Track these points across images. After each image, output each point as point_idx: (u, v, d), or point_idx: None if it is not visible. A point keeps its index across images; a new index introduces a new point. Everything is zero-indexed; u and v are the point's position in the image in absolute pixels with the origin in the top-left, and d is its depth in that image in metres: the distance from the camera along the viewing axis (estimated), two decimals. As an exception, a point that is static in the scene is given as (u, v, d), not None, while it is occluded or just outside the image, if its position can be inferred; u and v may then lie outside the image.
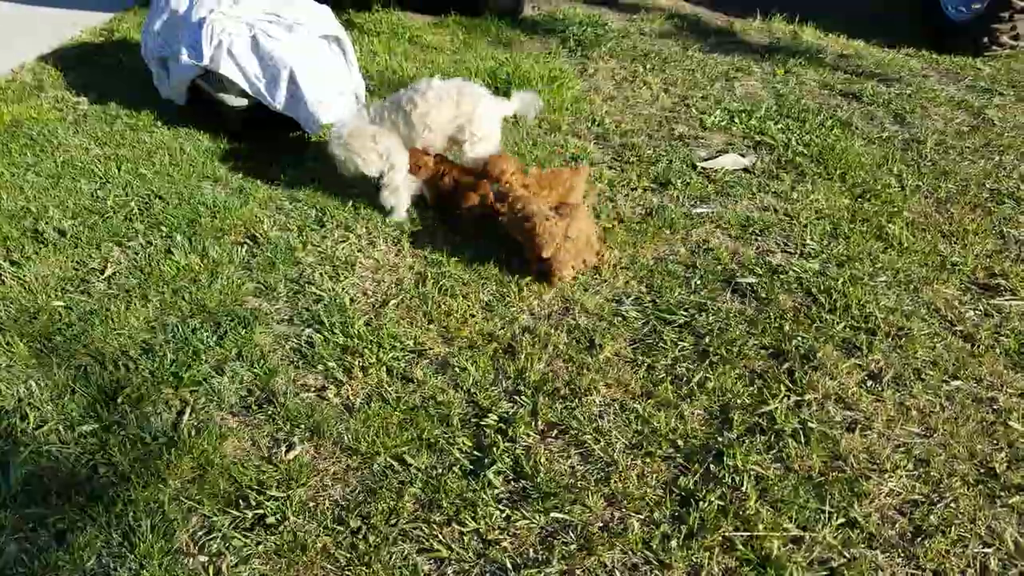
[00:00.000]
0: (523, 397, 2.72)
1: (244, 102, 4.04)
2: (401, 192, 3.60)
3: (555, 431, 2.61)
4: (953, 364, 2.92)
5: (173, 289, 3.15)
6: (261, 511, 2.29)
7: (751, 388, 2.77)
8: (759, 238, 3.63)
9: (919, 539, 2.29)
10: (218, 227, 3.54)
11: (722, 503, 2.35)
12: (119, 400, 2.63)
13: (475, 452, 2.52)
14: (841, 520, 2.32)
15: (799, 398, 2.74)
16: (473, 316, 3.10)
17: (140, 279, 3.20)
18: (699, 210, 3.81)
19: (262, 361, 2.82)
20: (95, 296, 3.11)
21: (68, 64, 5.26)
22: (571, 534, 2.26)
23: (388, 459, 2.48)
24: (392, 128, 3.61)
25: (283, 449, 2.51)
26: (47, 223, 3.53)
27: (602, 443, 2.55)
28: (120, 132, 4.33)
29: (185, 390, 2.70)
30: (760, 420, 2.65)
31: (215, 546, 2.20)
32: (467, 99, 3.57)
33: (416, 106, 3.55)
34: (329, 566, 2.16)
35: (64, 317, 2.99)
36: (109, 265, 3.28)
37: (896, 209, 3.87)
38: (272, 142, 4.23)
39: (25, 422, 2.55)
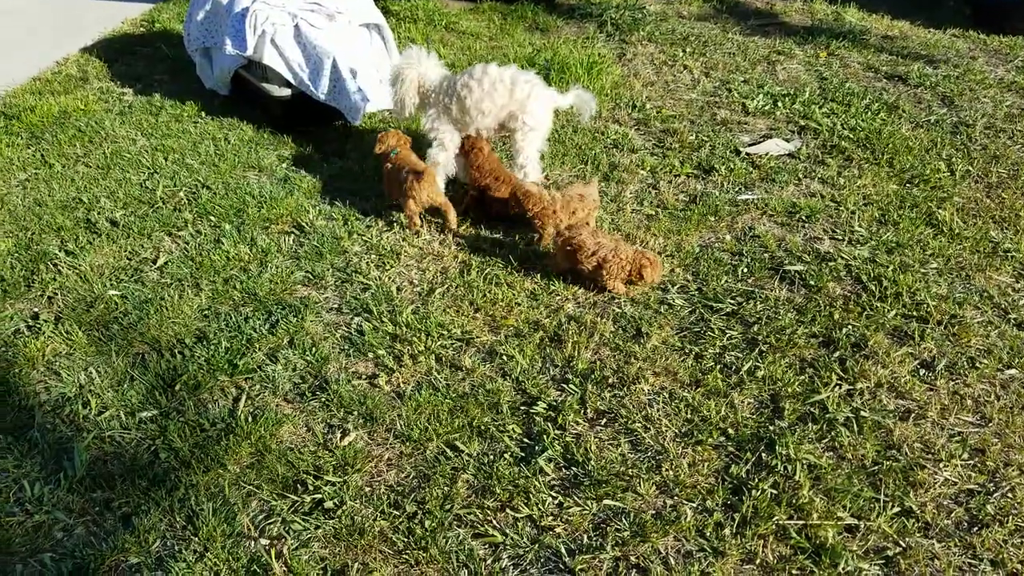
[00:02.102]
0: (571, 385, 2.73)
1: (288, 92, 4.09)
2: (440, 172, 3.64)
3: (604, 419, 2.62)
4: (1008, 352, 2.87)
5: (224, 278, 3.21)
6: (319, 495, 2.33)
7: (802, 377, 2.76)
8: (806, 225, 3.59)
9: (976, 528, 2.27)
10: (265, 217, 3.59)
11: (775, 491, 2.35)
12: (177, 387, 2.70)
13: (525, 439, 2.54)
14: (896, 509, 2.31)
15: (851, 387, 2.72)
16: (518, 305, 3.11)
17: (192, 268, 3.26)
18: (744, 196, 3.78)
19: (314, 349, 2.86)
20: (149, 285, 3.18)
21: (111, 55, 5.35)
22: (624, 521, 2.27)
23: (440, 445, 2.51)
24: (444, 112, 3.64)
25: (338, 435, 2.55)
26: (99, 213, 3.61)
27: (652, 431, 2.55)
28: (165, 123, 4.41)
29: (240, 377, 2.75)
30: (812, 409, 2.63)
31: (275, 529, 2.25)
32: (521, 88, 3.56)
33: (471, 92, 3.55)
34: (387, 550, 2.19)
35: (120, 306, 3.06)
36: (161, 254, 3.35)
37: (946, 194, 3.80)
38: (315, 131, 4.26)
39: (87, 409, 2.62)
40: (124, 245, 3.40)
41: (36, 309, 3.05)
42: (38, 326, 2.95)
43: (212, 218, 3.58)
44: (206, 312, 3.04)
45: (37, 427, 2.55)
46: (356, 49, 4.06)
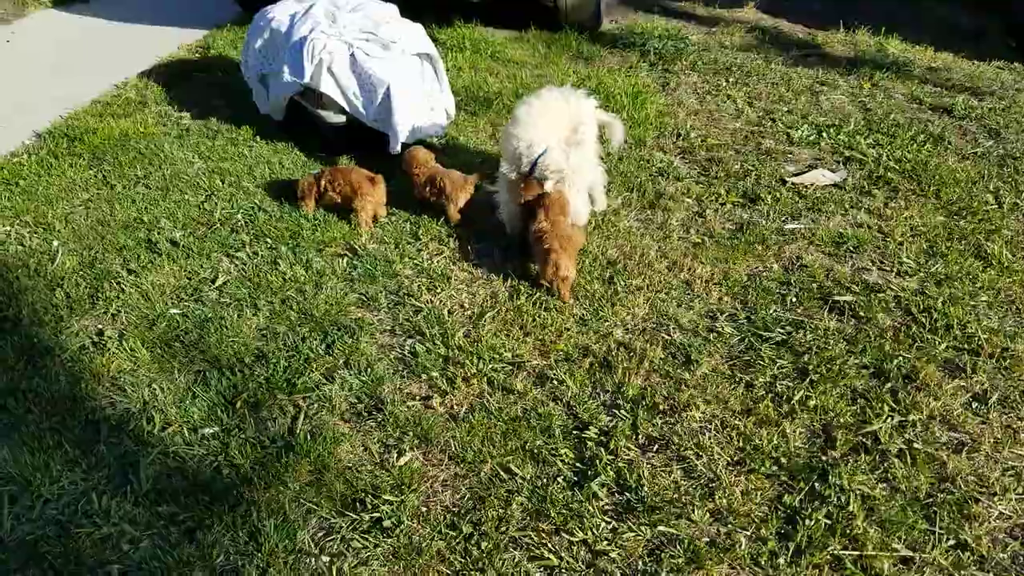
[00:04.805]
0: (622, 411, 2.76)
1: (342, 119, 4.20)
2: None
3: (656, 445, 2.64)
4: (1063, 388, 2.85)
5: (281, 299, 3.29)
6: (377, 514, 2.38)
7: (854, 407, 2.76)
8: (853, 255, 3.61)
9: (1034, 565, 2.25)
10: (319, 239, 3.69)
11: (829, 521, 2.35)
12: (237, 405, 2.77)
13: (578, 464, 2.58)
14: (951, 542, 2.30)
15: (903, 418, 2.72)
16: (568, 330, 3.16)
17: (250, 289, 3.36)
18: (791, 226, 3.80)
19: (369, 370, 2.93)
20: (208, 304, 3.27)
21: (168, 80, 5.52)
22: (678, 548, 2.29)
23: (494, 468, 2.55)
24: None
25: (394, 455, 2.60)
26: (159, 233, 3.72)
27: (704, 459, 2.57)
28: (222, 147, 4.54)
29: (298, 396, 2.82)
30: (864, 440, 2.64)
31: (335, 547, 2.30)
32: (574, 102, 3.73)
33: (531, 105, 3.68)
34: (445, 570, 2.23)
35: (181, 324, 3.15)
36: (220, 275, 3.45)
37: (994, 227, 3.79)
38: (365, 157, 4.36)
39: (151, 424, 2.70)
40: (184, 265, 3.51)
41: (101, 326, 3.16)
42: (103, 342, 3.05)
43: (268, 240, 3.68)
44: (264, 332, 3.13)
45: (103, 441, 2.64)
46: (409, 78, 4.17)
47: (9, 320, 3.15)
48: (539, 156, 3.51)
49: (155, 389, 2.84)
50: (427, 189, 3.85)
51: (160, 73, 5.65)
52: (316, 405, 2.79)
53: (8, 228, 3.75)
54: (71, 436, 2.65)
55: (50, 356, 2.98)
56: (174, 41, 6.34)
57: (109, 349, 3.01)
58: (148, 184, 4.18)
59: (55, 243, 3.63)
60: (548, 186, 3.51)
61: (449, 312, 3.25)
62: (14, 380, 2.85)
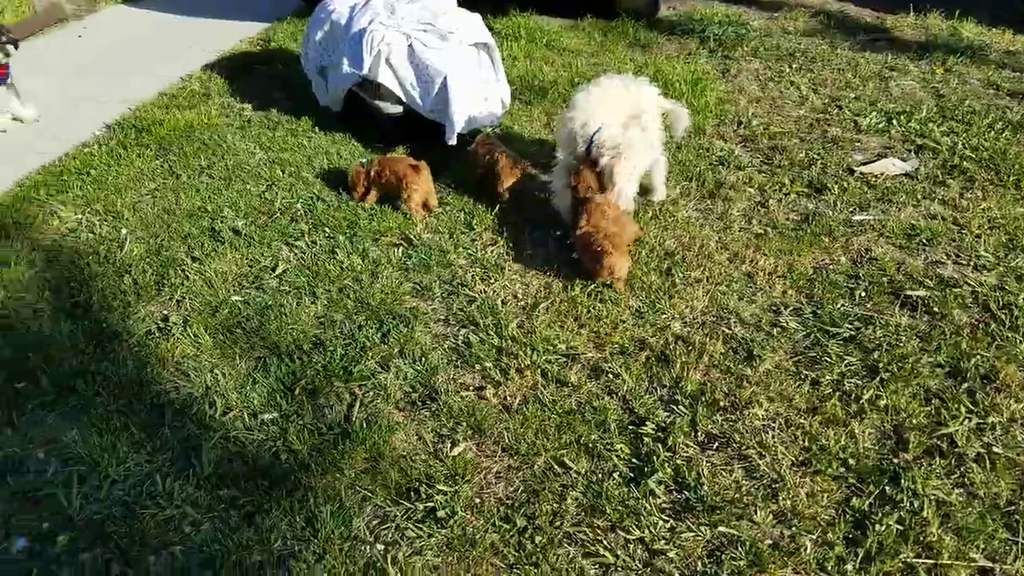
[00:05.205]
0: (680, 407, 2.69)
1: (399, 109, 4.21)
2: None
3: (716, 443, 2.57)
4: None
5: (339, 287, 3.32)
6: (431, 504, 2.37)
7: (927, 408, 2.64)
8: (927, 248, 3.45)
9: (1126, 580, 2.11)
10: (375, 229, 3.70)
11: (900, 527, 2.25)
12: (296, 391, 2.80)
13: (634, 460, 2.52)
14: (1034, 554, 2.18)
15: (981, 421, 2.58)
16: (623, 322, 3.10)
17: (308, 277, 3.39)
18: (859, 217, 3.66)
19: (423, 359, 2.93)
20: (269, 292, 3.31)
21: (231, 72, 5.63)
22: (739, 550, 2.22)
23: (548, 461, 2.52)
24: None
25: (448, 445, 2.59)
26: (222, 222, 3.79)
27: (767, 458, 2.49)
28: (282, 138, 4.60)
29: (354, 384, 2.83)
30: (939, 442, 2.51)
31: (390, 535, 2.30)
32: (635, 89, 3.67)
33: (590, 91, 3.65)
34: (499, 563, 2.21)
35: (242, 311, 3.20)
36: (279, 263, 3.49)
37: (1081, 219, 3.58)
38: (422, 147, 4.36)
39: (213, 409, 2.75)
40: (246, 253, 3.57)
41: (166, 312, 3.23)
42: (168, 328, 3.12)
43: (327, 229, 3.72)
44: (322, 319, 3.15)
45: (168, 425, 2.69)
46: (465, 68, 4.15)
47: (80, 305, 3.25)
48: (594, 133, 3.45)
49: (217, 374, 2.89)
50: (483, 156, 3.92)
51: (223, 66, 5.76)
52: (372, 393, 2.79)
53: (80, 216, 3.87)
54: (137, 419, 2.71)
55: (118, 340, 3.06)
56: (236, 34, 6.46)
57: (174, 334, 3.08)
58: (212, 174, 4.26)
59: (123, 231, 3.73)
60: (603, 162, 3.43)
61: (503, 302, 3.22)
62: (84, 363, 2.93)
